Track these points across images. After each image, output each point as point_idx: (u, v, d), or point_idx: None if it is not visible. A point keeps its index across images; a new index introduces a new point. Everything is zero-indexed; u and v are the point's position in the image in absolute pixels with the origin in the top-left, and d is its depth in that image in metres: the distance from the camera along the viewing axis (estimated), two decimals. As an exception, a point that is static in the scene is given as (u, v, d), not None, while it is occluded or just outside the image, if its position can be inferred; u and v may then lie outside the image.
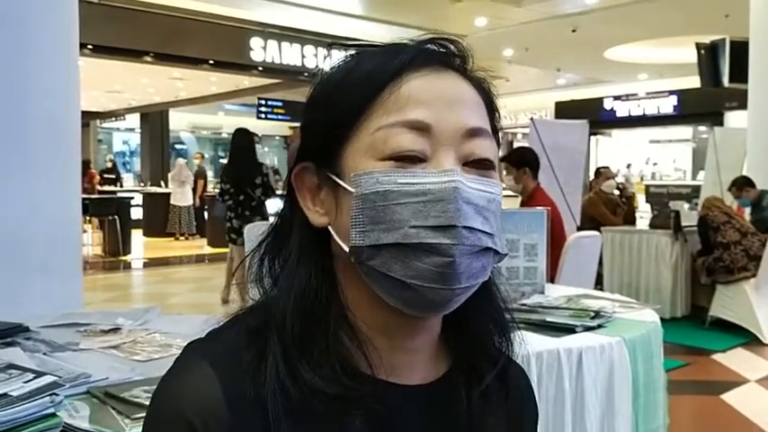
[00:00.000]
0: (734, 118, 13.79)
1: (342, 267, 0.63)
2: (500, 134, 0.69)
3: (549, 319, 2.08)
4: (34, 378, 1.23)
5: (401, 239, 0.57)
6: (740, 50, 7.78)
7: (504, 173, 3.96)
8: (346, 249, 0.60)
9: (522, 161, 3.87)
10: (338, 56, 0.67)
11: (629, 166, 18.64)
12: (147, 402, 0.63)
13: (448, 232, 0.57)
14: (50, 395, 1.17)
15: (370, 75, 0.62)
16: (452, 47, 0.66)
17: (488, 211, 0.59)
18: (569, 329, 2.01)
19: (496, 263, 0.63)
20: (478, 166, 0.61)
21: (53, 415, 1.16)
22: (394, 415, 0.63)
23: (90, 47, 9.55)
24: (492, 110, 0.66)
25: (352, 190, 0.60)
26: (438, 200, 0.57)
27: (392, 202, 0.58)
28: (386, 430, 0.62)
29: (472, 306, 0.65)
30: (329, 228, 0.63)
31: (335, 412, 0.60)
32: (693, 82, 10.26)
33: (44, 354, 1.67)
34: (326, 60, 0.69)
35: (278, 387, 0.59)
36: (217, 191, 13.36)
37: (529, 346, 1.85)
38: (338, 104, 0.62)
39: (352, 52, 0.66)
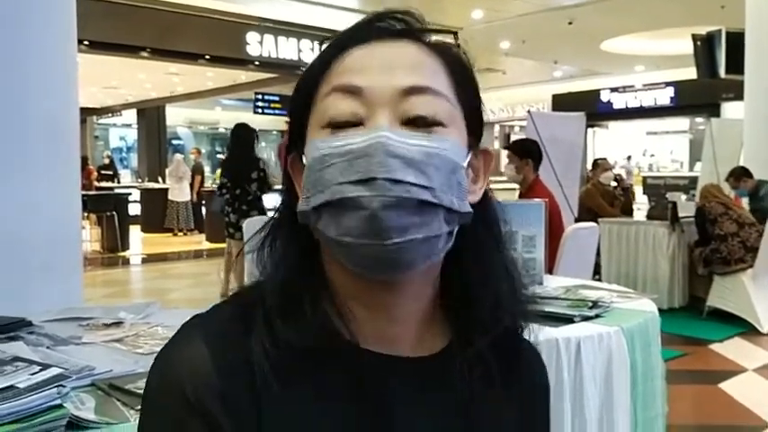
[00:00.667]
0: (730, 109, 13.80)
1: (322, 243, 0.66)
2: (478, 106, 0.68)
3: (547, 309, 2.10)
4: (41, 370, 1.24)
5: (329, 197, 0.58)
6: (736, 41, 7.79)
7: (507, 161, 3.98)
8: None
9: (526, 152, 3.88)
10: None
11: (629, 157, 18.65)
12: (149, 370, 0.66)
13: (368, 185, 0.57)
14: (57, 387, 1.18)
15: (322, 54, 0.65)
16: (410, 18, 0.67)
17: (427, 165, 0.58)
18: (568, 319, 2.03)
19: (461, 221, 0.62)
20: (421, 124, 0.61)
21: (60, 406, 1.17)
22: (381, 383, 0.64)
23: (86, 43, 9.53)
24: (458, 76, 0.66)
25: (305, 161, 0.62)
26: (363, 155, 0.57)
27: (325, 164, 0.59)
28: (373, 398, 0.63)
29: (475, 283, 0.66)
30: None
31: (317, 374, 0.62)
32: (690, 73, 10.27)
33: (47, 347, 1.68)
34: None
35: (261, 351, 0.61)
36: (214, 186, 13.43)
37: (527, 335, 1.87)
38: (301, 89, 0.66)
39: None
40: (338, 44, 0.65)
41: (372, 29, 0.65)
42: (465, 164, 0.63)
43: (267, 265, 0.68)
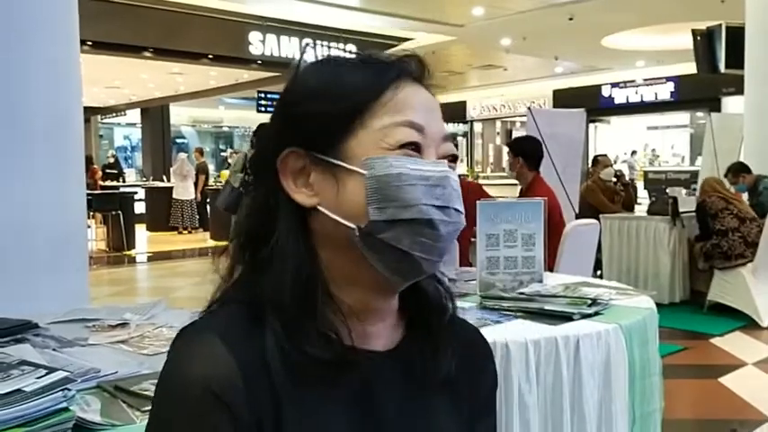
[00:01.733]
0: (731, 103, 13.78)
1: (327, 243, 0.71)
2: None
3: (546, 307, 2.12)
4: (47, 374, 1.26)
5: (416, 215, 0.68)
6: (736, 36, 7.77)
7: (508, 159, 4.01)
8: (350, 226, 0.69)
9: (518, 150, 3.91)
10: (320, 51, 0.78)
11: (633, 152, 18.62)
12: (162, 369, 0.67)
13: (446, 211, 0.70)
14: (63, 390, 1.20)
15: (372, 80, 0.72)
16: (422, 65, 0.77)
17: (461, 197, 0.72)
18: (567, 317, 2.05)
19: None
20: (450, 161, 0.73)
21: (66, 409, 1.20)
22: (371, 380, 0.72)
23: (90, 43, 9.57)
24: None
25: (365, 172, 0.68)
26: (437, 185, 0.69)
27: (405, 183, 0.68)
28: (365, 394, 0.71)
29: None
30: (319, 207, 0.70)
31: (331, 376, 0.68)
32: (690, 68, 10.26)
33: (53, 350, 1.70)
34: (304, 54, 0.77)
35: (279, 354, 0.66)
36: (219, 185, 13.46)
37: (527, 333, 1.90)
38: (342, 101, 0.71)
39: (350, 54, 0.76)
40: (391, 76, 0.73)
41: (409, 69, 0.75)
42: None
43: (261, 261, 0.70)
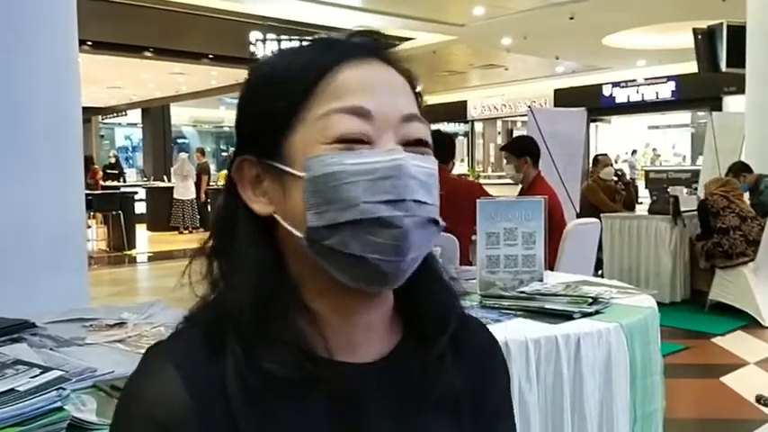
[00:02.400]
0: (732, 102, 13.76)
1: (291, 253, 0.66)
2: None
3: (547, 306, 2.11)
4: (41, 373, 1.25)
5: (358, 216, 0.60)
6: (737, 35, 7.75)
7: (505, 162, 4.00)
8: (298, 234, 0.63)
9: (523, 150, 3.90)
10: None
11: (634, 152, 18.62)
12: (119, 396, 0.65)
13: (399, 206, 0.61)
14: (57, 389, 1.19)
15: (306, 66, 0.65)
16: (380, 38, 0.70)
17: (429, 185, 0.64)
18: (567, 316, 2.03)
19: (437, 233, 0.67)
20: (415, 146, 0.66)
21: (60, 409, 1.19)
22: (355, 393, 0.66)
23: (90, 43, 9.57)
24: (417, 97, 0.70)
25: (302, 174, 0.62)
26: (386, 177, 0.61)
27: (342, 181, 0.61)
28: (347, 408, 0.65)
29: (418, 276, 0.69)
30: (275, 216, 0.66)
31: (302, 395, 0.63)
32: (691, 67, 10.23)
33: (51, 349, 1.69)
34: (256, 52, 0.74)
35: (237, 375, 0.61)
36: (220, 184, 13.43)
37: (527, 332, 1.89)
38: (277, 96, 0.65)
39: (285, 47, 0.71)
40: (326, 60, 0.65)
41: (354, 47, 0.67)
42: None
43: (224, 276, 0.67)
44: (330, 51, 0.66)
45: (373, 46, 0.68)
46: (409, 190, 0.61)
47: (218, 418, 0.61)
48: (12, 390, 1.17)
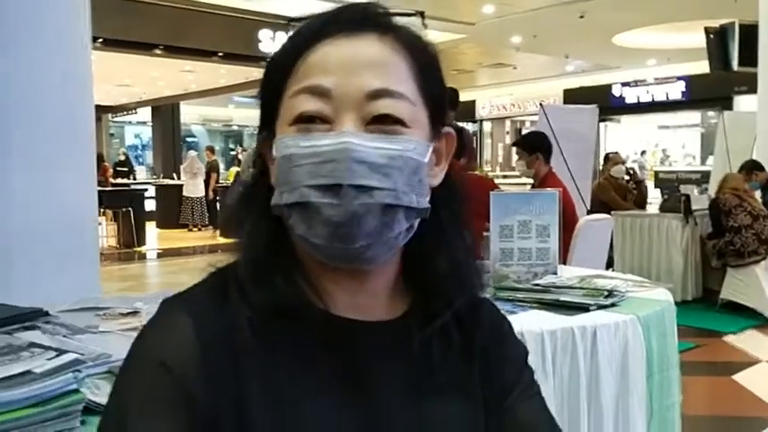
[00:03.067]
0: (743, 102, 13.67)
1: None
2: (441, 92, 0.70)
3: (562, 298, 2.09)
4: (57, 356, 1.24)
5: (298, 199, 0.61)
6: (749, 34, 7.71)
7: (517, 158, 3.97)
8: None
9: (534, 146, 3.87)
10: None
11: (643, 152, 18.54)
12: (133, 342, 0.67)
13: (334, 191, 0.60)
14: (73, 372, 1.19)
15: (288, 48, 0.67)
16: (373, 9, 0.68)
17: (391, 168, 0.61)
18: (583, 308, 2.02)
19: (418, 216, 0.65)
20: (383, 123, 0.63)
21: (76, 391, 1.18)
22: (357, 346, 0.67)
23: (100, 40, 9.59)
24: (426, 72, 0.68)
25: (275, 155, 0.65)
26: (329, 160, 0.60)
27: (294, 164, 0.62)
28: (347, 359, 0.66)
29: (427, 252, 0.70)
30: None
31: (294, 339, 0.64)
32: (702, 67, 10.19)
33: (64, 336, 1.69)
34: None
35: (237, 314, 0.63)
36: (228, 182, 13.47)
37: (543, 324, 1.87)
38: (270, 77, 0.68)
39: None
40: (304, 39, 0.66)
41: (337, 22, 0.66)
42: (426, 159, 0.66)
43: (240, 240, 0.70)
44: (309, 30, 0.66)
45: (364, 19, 0.66)
46: (348, 174, 0.59)
47: (223, 365, 0.62)
48: (28, 371, 1.17)
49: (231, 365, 0.62)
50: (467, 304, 0.73)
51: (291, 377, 0.64)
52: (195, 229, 13.21)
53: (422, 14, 0.77)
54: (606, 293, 2.12)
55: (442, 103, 0.70)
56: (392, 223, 0.63)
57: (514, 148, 4.03)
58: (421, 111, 0.67)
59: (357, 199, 0.60)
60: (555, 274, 2.42)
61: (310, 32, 0.66)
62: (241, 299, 0.64)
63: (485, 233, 2.66)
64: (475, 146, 21.66)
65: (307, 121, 0.63)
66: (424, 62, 0.68)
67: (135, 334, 1.81)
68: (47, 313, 1.87)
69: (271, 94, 0.68)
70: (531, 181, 4.02)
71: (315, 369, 0.65)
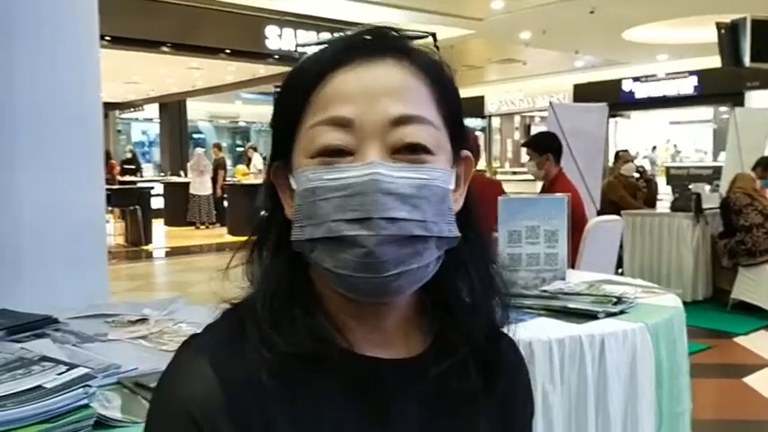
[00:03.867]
0: (755, 97, 13.58)
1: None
2: (460, 114, 0.69)
3: (570, 305, 2.08)
4: (67, 370, 1.25)
5: (326, 233, 0.60)
6: (762, 29, 7.64)
7: (528, 158, 3.96)
8: None
9: (545, 147, 3.86)
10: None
11: (654, 148, 18.44)
12: (155, 388, 0.67)
13: (365, 224, 0.59)
14: (84, 387, 1.20)
15: (303, 75, 0.65)
16: (389, 33, 0.67)
17: (419, 198, 0.61)
18: (591, 316, 2.01)
19: (448, 246, 0.64)
20: (410, 152, 0.62)
21: (87, 406, 1.19)
22: (377, 385, 0.66)
23: (108, 38, 9.60)
24: (445, 95, 0.66)
25: (294, 187, 0.64)
26: (357, 193, 0.59)
27: (319, 197, 0.61)
28: (368, 399, 0.65)
29: (450, 286, 0.69)
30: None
31: (314, 380, 0.63)
32: (714, 62, 10.09)
33: (74, 345, 1.70)
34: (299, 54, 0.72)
35: (257, 359, 0.62)
36: (236, 180, 13.49)
37: (551, 332, 1.86)
38: (284, 108, 0.66)
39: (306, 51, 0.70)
40: (320, 67, 0.64)
41: (352, 48, 0.65)
42: (452, 186, 0.65)
43: (256, 274, 0.69)
44: (325, 57, 0.65)
45: (380, 44, 0.65)
46: (379, 207, 0.59)
47: (248, 411, 0.61)
48: (39, 387, 1.18)
49: (256, 410, 0.61)
50: (486, 337, 0.71)
51: (315, 419, 0.63)
52: (203, 227, 13.23)
53: (434, 36, 0.75)
54: (615, 300, 2.11)
55: (461, 126, 0.69)
56: (423, 252, 0.62)
57: (524, 149, 4.02)
58: (443, 135, 0.66)
59: (387, 230, 0.59)
60: (563, 279, 2.41)
61: (326, 60, 0.64)
62: (261, 342, 0.63)
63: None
64: (484, 142, 21.63)
65: (329, 153, 0.62)
66: (442, 84, 0.67)
67: (143, 342, 1.82)
68: (56, 320, 1.88)
69: (286, 124, 0.66)
70: (533, 177, 4.02)
71: (339, 410, 0.64)
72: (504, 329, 0.75)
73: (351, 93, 0.62)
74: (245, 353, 0.63)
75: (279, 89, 0.69)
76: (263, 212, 0.71)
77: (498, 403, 0.73)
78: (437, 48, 0.72)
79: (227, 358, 0.63)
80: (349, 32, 0.67)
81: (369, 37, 0.66)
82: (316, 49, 0.67)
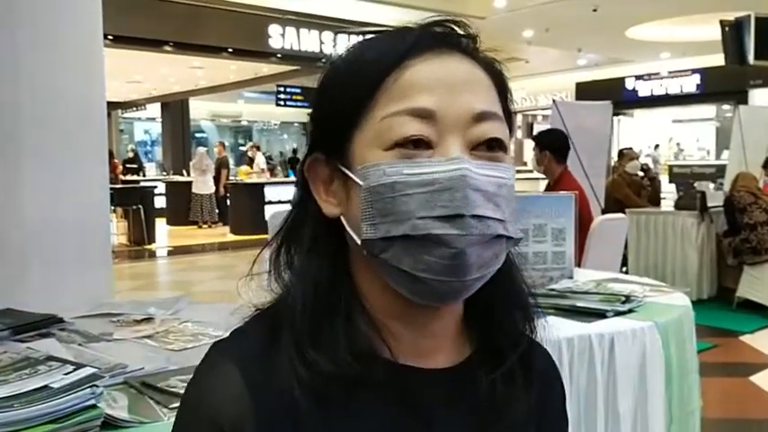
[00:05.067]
0: (759, 95, 13.54)
1: (355, 257, 0.64)
2: (513, 117, 0.68)
3: (579, 304, 2.07)
4: (74, 370, 1.24)
5: (409, 231, 0.56)
6: (765, 27, 7.62)
7: (532, 155, 3.95)
8: (358, 242, 0.60)
9: (544, 144, 3.84)
10: (347, 42, 0.67)
11: (656, 146, 18.40)
12: (184, 391, 0.65)
13: (455, 222, 0.56)
14: (91, 387, 1.18)
15: (373, 62, 0.61)
16: (458, 28, 0.65)
17: (499, 197, 0.58)
18: (600, 314, 1.99)
19: (511, 248, 0.62)
20: (488, 149, 0.60)
21: (94, 406, 1.17)
22: (418, 397, 0.63)
23: (110, 37, 9.60)
24: (503, 92, 0.65)
25: (361, 182, 0.59)
26: (445, 189, 0.56)
27: (399, 193, 0.57)
28: (410, 412, 0.62)
29: (495, 291, 0.65)
30: (341, 218, 0.63)
31: (351, 394, 0.60)
32: (717, 60, 10.08)
33: (79, 344, 1.69)
34: (335, 47, 0.70)
35: (292, 374, 0.59)
36: (238, 179, 13.48)
37: (560, 331, 1.85)
38: (345, 95, 0.62)
39: (359, 39, 0.65)
40: (393, 55, 0.61)
41: (425, 38, 0.62)
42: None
43: (287, 277, 0.65)
44: (399, 45, 0.61)
45: (450, 37, 0.63)
46: (470, 204, 0.56)
47: (279, 420, 0.59)
48: (46, 387, 1.17)
49: (286, 424, 0.59)
50: (529, 346, 0.70)
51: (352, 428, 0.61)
52: (205, 226, 13.23)
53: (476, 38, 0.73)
54: (623, 299, 2.09)
55: (512, 127, 0.68)
56: (500, 254, 0.60)
57: (530, 143, 4.01)
58: (507, 134, 0.64)
59: (476, 229, 0.56)
60: (571, 278, 2.40)
61: (399, 48, 0.61)
62: (298, 358, 0.60)
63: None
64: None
65: (407, 145, 0.58)
66: (502, 84, 0.65)
67: (149, 342, 1.81)
68: (61, 320, 1.87)
69: (348, 113, 0.61)
70: (542, 175, 4.01)
71: (378, 424, 0.61)
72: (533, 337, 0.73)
73: (431, 83, 0.59)
74: (278, 364, 0.60)
75: (327, 78, 0.64)
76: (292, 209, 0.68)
77: (538, 410, 0.71)
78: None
79: (258, 368, 0.60)
80: (421, 22, 0.65)
81: (439, 28, 0.64)
82: (353, 40, 0.65)
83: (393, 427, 0.62)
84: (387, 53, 0.61)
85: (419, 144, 0.58)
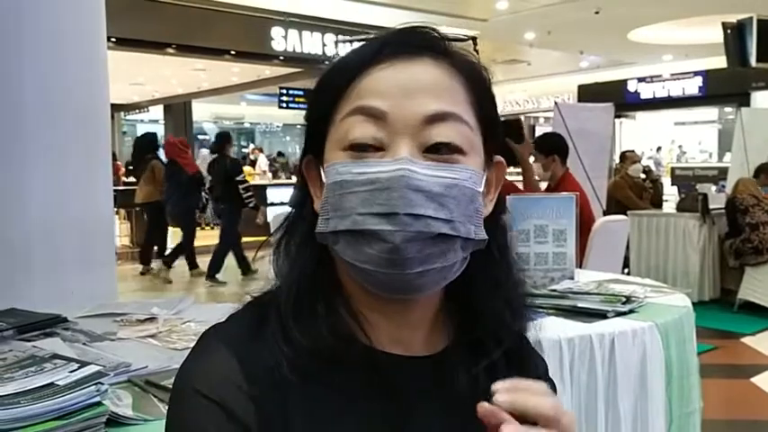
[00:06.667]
0: (760, 98, 13.53)
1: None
2: (497, 121, 0.70)
3: (579, 304, 2.08)
4: (79, 368, 1.25)
5: (351, 226, 0.60)
6: (768, 29, 7.62)
7: (533, 159, 3.95)
8: None
9: (551, 148, 3.85)
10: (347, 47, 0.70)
11: (659, 149, 18.39)
12: (178, 370, 0.67)
13: (390, 219, 0.59)
14: (96, 384, 1.20)
15: (340, 70, 0.66)
16: (428, 33, 0.67)
17: (446, 197, 0.60)
18: (601, 315, 2.00)
19: (474, 248, 0.64)
20: (441, 151, 0.62)
21: (99, 403, 1.19)
22: (395, 382, 0.66)
23: (113, 40, 9.63)
24: (482, 97, 0.67)
25: (325, 180, 0.64)
26: (384, 188, 0.59)
27: (346, 190, 0.61)
28: (387, 396, 0.65)
29: (473, 285, 0.68)
30: None
31: (336, 373, 0.63)
32: (719, 62, 10.08)
33: (83, 344, 1.70)
34: (337, 50, 0.73)
35: (278, 351, 0.63)
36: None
37: (560, 331, 1.86)
38: (319, 100, 0.67)
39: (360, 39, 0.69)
40: (359, 61, 0.65)
41: (392, 45, 0.65)
42: (482, 189, 0.65)
43: (282, 267, 0.69)
44: (364, 52, 0.65)
45: (421, 42, 0.65)
46: (405, 203, 0.59)
47: (267, 396, 0.62)
48: (51, 384, 1.18)
49: (275, 399, 0.62)
50: (516, 339, 0.71)
51: (335, 415, 0.63)
52: (207, 228, 13.23)
53: (474, 40, 0.75)
54: (624, 299, 2.10)
55: (497, 131, 0.69)
56: (448, 252, 0.62)
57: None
58: (477, 137, 0.66)
59: (412, 226, 0.59)
60: (572, 278, 2.41)
61: (364, 55, 0.65)
62: (281, 335, 0.64)
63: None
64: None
65: (360, 147, 0.62)
66: (480, 87, 0.68)
67: (152, 341, 1.82)
68: (65, 319, 1.89)
69: (319, 117, 0.67)
70: (546, 182, 4.00)
71: (358, 407, 0.64)
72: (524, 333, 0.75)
73: (386, 87, 0.62)
74: (266, 344, 0.64)
75: (315, 85, 0.69)
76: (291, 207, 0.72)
77: None
78: (477, 51, 0.72)
79: (248, 346, 0.64)
80: (387, 31, 0.67)
81: (409, 36, 0.66)
82: (351, 47, 0.68)
83: (371, 409, 0.64)
84: (352, 61, 0.65)
85: (373, 147, 0.62)
